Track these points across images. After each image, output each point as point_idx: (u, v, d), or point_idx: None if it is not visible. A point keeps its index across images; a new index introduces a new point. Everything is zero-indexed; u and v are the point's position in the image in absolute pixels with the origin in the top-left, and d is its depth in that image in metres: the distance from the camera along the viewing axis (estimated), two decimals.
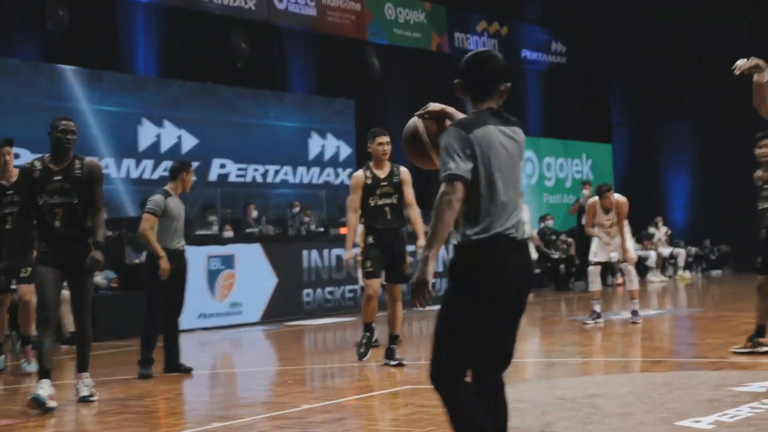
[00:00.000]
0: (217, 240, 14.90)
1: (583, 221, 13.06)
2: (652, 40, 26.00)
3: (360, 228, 9.01)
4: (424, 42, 20.77)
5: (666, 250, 22.33)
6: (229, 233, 15.57)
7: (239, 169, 18.14)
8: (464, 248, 3.79)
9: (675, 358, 9.08)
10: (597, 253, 12.39)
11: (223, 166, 17.86)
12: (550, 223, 20.85)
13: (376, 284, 8.82)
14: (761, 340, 8.64)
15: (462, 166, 3.74)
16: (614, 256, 13.04)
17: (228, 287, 14.12)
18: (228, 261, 14.14)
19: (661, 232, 22.21)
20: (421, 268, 3.76)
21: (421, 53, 20.64)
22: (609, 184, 12.76)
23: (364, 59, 19.96)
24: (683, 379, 7.32)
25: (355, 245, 9.00)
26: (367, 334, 9.05)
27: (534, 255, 18.90)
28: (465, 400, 3.80)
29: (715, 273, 23.93)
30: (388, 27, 20.10)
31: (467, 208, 3.80)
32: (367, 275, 8.80)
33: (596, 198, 12.37)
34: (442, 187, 3.73)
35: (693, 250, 23.44)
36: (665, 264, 22.42)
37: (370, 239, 8.81)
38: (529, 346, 10.59)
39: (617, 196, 12.26)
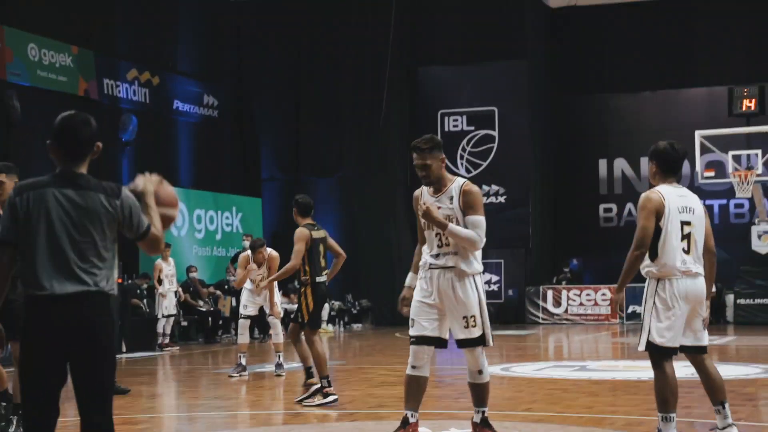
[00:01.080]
0: None
1: (233, 276, 13.23)
2: (304, 98, 26.90)
3: None
4: (71, 86, 20.10)
5: None
6: None
7: None
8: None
9: (315, 410, 9.32)
10: (247, 306, 12.61)
11: None
12: (195, 275, 20.74)
13: None
14: (311, 381, 9.38)
15: (6, 229, 4.12)
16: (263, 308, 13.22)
17: None
18: None
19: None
20: None
21: (66, 97, 19.92)
22: (262, 239, 13.03)
23: (4, 100, 18.95)
24: (323, 430, 7.52)
25: None
26: None
27: (172, 310, 18.37)
28: None
29: (356, 326, 24.92)
30: (31, 68, 19.23)
31: (22, 268, 4.11)
32: None
33: (249, 252, 12.58)
34: None
35: (336, 304, 24.29)
36: None
37: None
38: (173, 400, 10.42)
39: (269, 251, 12.56)
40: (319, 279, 9.57)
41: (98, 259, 4.14)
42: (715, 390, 6.30)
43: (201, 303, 20.13)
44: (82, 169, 4.20)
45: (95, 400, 4.13)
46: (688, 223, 6.22)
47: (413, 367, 6.58)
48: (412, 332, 6.63)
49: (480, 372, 6.62)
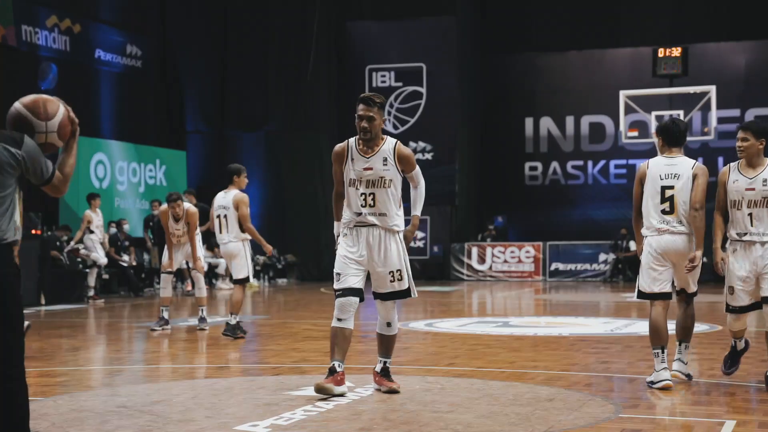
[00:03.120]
0: None
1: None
2: (230, 51, 26.50)
3: None
4: None
5: None
6: None
7: None
8: None
9: (238, 364, 9.27)
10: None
11: None
12: (126, 227, 20.48)
13: None
14: None
15: None
16: (185, 263, 13.08)
17: None
18: None
19: None
20: None
21: None
22: (178, 193, 12.84)
23: None
24: (244, 385, 7.49)
25: None
26: None
27: (103, 260, 18.42)
28: None
29: (281, 281, 24.85)
30: None
31: None
32: None
33: (166, 206, 12.39)
34: None
35: (261, 258, 24.18)
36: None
37: None
38: (94, 354, 10.29)
39: (187, 206, 12.37)
40: None
41: (1, 210, 4.09)
42: (684, 329, 7.39)
43: (124, 257, 19.86)
44: None
45: (5, 352, 4.07)
46: (671, 187, 7.10)
47: (339, 319, 6.69)
48: (338, 285, 6.75)
49: (389, 324, 6.92)
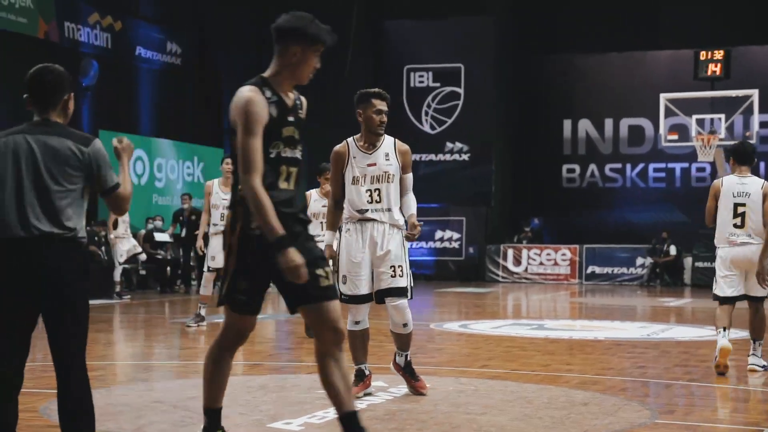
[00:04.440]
0: None
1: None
2: (268, 48, 26.57)
3: None
4: (30, 28, 19.67)
5: None
6: None
7: None
8: None
9: (272, 362, 9.29)
10: (215, 257, 12.08)
11: None
12: (158, 224, 20.60)
13: None
14: None
15: None
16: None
17: None
18: None
19: None
20: None
21: (26, 39, 19.51)
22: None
23: None
24: (278, 383, 7.50)
25: None
26: None
27: (143, 256, 18.54)
28: None
29: None
30: None
31: None
32: None
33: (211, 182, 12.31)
34: None
35: None
36: None
37: None
38: (129, 348, 10.36)
39: None
40: None
41: (66, 205, 4.14)
42: (755, 329, 8.23)
43: (160, 252, 19.99)
44: (56, 118, 4.24)
45: (66, 345, 4.20)
46: (743, 204, 8.12)
47: (356, 322, 6.71)
48: (345, 290, 6.69)
49: (405, 325, 6.80)
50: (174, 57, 24.32)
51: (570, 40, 27.08)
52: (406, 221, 6.75)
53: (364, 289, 6.64)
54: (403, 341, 6.88)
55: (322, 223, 10.93)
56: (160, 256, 19.85)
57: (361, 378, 6.66)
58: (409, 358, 6.91)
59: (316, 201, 11.21)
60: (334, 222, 6.88)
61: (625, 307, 17.51)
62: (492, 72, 25.62)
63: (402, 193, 6.81)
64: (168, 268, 19.93)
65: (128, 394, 6.92)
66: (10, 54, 19.18)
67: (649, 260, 24.10)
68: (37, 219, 4.08)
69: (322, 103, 26.21)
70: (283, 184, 4.40)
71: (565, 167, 27.58)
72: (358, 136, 6.85)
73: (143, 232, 19.80)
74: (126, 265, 18.24)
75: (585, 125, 27.48)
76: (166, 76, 24.11)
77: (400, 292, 6.66)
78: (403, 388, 6.98)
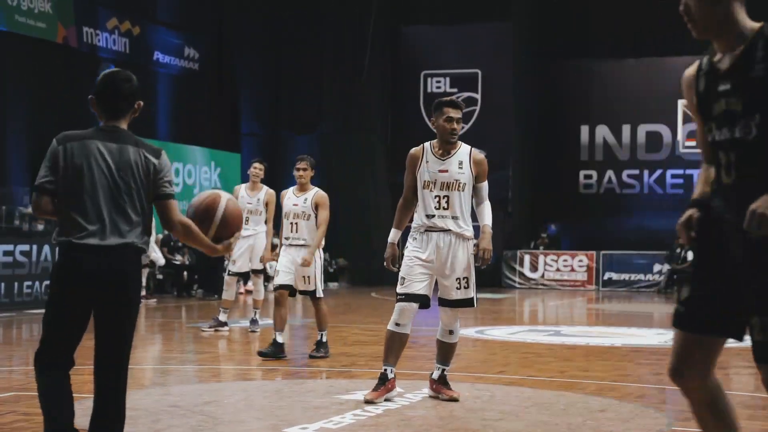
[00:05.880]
0: None
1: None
2: (285, 54, 26.65)
3: None
4: (49, 33, 19.79)
5: None
6: None
7: None
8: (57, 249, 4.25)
9: (288, 366, 9.30)
10: (237, 261, 12.13)
11: None
12: None
13: None
14: None
15: (44, 177, 4.18)
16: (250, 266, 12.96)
17: None
18: None
19: None
20: None
21: (45, 44, 19.63)
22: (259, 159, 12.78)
23: None
24: (294, 387, 7.51)
25: None
26: None
27: (161, 260, 18.62)
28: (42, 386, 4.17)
29: (333, 285, 24.91)
30: (8, 12, 18.90)
31: (60, 215, 4.19)
32: None
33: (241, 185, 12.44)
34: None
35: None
36: None
37: None
38: (147, 352, 10.39)
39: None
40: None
41: (134, 212, 4.23)
42: None
43: (177, 257, 20.05)
44: (123, 125, 4.31)
45: (116, 350, 4.23)
46: None
47: (397, 324, 6.70)
48: (401, 289, 6.72)
49: (451, 332, 6.88)
50: (192, 62, 24.42)
51: (587, 46, 27.03)
52: (475, 232, 6.86)
53: (418, 289, 6.65)
54: (445, 352, 6.92)
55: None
56: (177, 261, 19.92)
57: (383, 382, 6.66)
58: (445, 372, 6.93)
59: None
60: (401, 221, 6.93)
61: (643, 314, 17.45)
62: (509, 78, 25.60)
63: (477, 202, 6.97)
64: (185, 273, 20.00)
65: (145, 398, 6.94)
66: (30, 59, 19.32)
67: (666, 267, 24.00)
68: (111, 225, 4.15)
69: (339, 106, 26.32)
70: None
71: (582, 173, 27.51)
72: (435, 141, 6.94)
73: (160, 236, 19.84)
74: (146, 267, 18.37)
75: (602, 131, 27.41)
76: (184, 81, 24.21)
77: (467, 303, 6.80)
78: (419, 394, 6.98)
